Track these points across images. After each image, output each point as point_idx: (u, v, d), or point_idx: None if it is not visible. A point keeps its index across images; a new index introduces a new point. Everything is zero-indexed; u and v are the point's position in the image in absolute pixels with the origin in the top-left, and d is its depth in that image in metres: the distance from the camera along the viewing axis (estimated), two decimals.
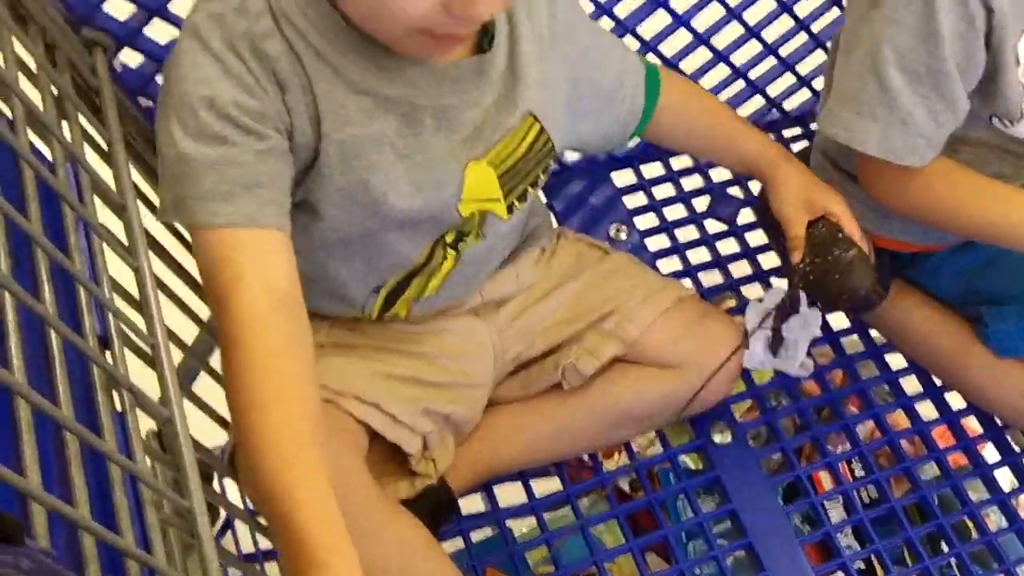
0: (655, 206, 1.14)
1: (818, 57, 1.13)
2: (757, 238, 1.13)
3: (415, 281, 0.81)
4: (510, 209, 0.79)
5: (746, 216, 1.15)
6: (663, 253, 1.11)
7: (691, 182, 1.17)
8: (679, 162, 1.18)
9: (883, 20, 0.81)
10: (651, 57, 1.08)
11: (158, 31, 0.86)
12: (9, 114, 0.66)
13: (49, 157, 0.70)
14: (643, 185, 1.16)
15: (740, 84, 1.15)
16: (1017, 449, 1.03)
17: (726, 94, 1.16)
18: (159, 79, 0.87)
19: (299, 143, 0.69)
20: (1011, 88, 0.85)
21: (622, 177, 1.16)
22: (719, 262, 1.10)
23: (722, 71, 1.13)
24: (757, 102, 1.18)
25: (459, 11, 0.60)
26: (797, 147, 1.18)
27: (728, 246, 1.12)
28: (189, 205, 0.65)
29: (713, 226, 1.14)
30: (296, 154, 0.69)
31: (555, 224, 1.01)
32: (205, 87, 0.64)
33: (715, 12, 1.08)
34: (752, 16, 1.09)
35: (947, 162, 0.89)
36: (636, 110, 0.90)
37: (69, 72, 0.77)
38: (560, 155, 1.08)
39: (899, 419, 1.05)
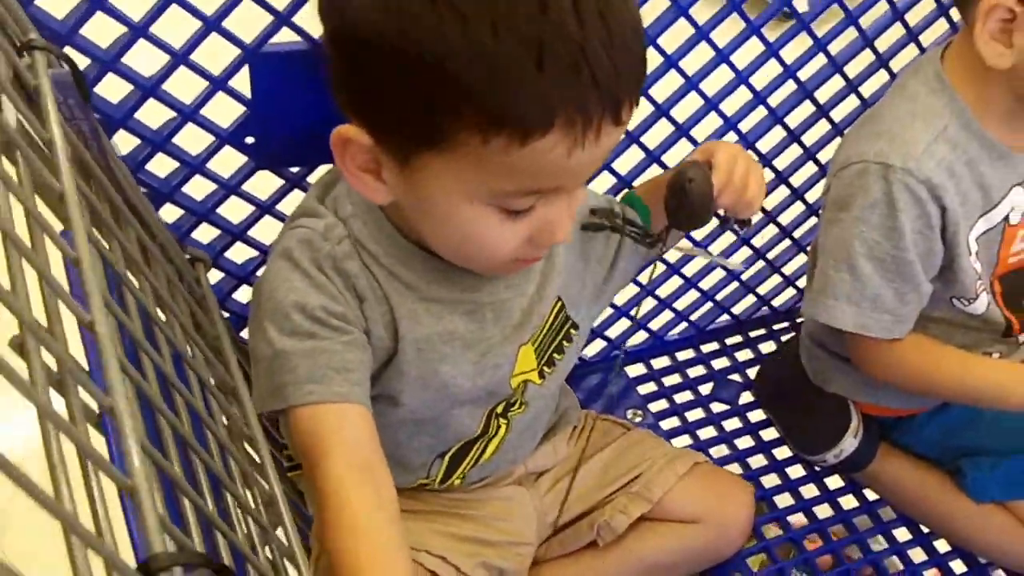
0: (665, 392, 1.29)
1: (801, 259, 1.31)
2: (757, 416, 1.28)
3: (475, 447, 0.94)
4: (541, 374, 0.92)
5: (746, 397, 1.30)
6: (675, 432, 1.24)
7: (695, 371, 1.33)
8: (684, 354, 1.34)
9: (852, 220, 0.98)
10: None
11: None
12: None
13: None
14: (653, 376, 1.31)
15: (735, 284, 1.33)
16: None
17: (723, 293, 1.32)
18: (237, 295, 1.04)
19: (376, 345, 0.80)
20: (966, 273, 1.01)
21: (634, 369, 1.31)
22: (725, 438, 1.25)
23: (718, 272, 1.30)
24: (750, 300, 1.35)
25: (545, 244, 0.74)
26: (785, 338, 1.35)
27: (732, 423, 1.27)
28: (287, 391, 0.74)
29: (717, 407, 1.29)
30: (374, 353, 0.80)
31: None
32: (296, 295, 0.75)
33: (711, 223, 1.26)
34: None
35: (919, 336, 1.04)
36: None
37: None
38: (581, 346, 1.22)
39: (894, 563, 1.17)
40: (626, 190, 0.99)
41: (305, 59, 0.87)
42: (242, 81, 0.88)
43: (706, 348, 1.35)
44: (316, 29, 0.79)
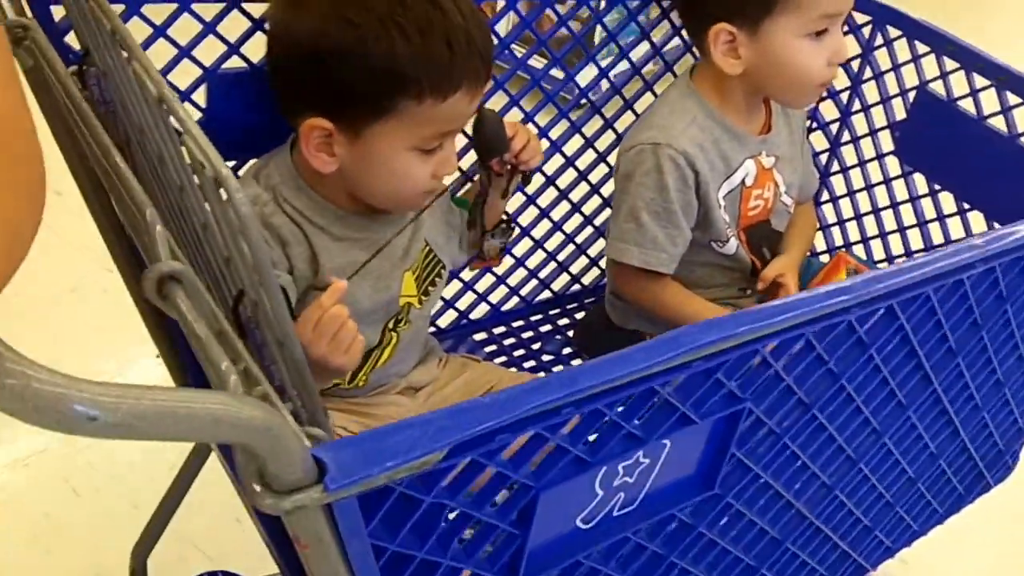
0: (504, 351, 1.64)
1: (601, 243, 1.70)
2: (576, 362, 1.64)
3: (374, 354, 1.26)
4: (420, 302, 1.27)
5: (567, 351, 1.66)
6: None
7: (527, 335, 1.69)
8: (517, 323, 1.70)
9: (635, 186, 1.37)
10: None
11: None
12: None
13: None
14: (494, 339, 1.66)
15: (553, 265, 1.70)
16: None
17: (545, 271, 1.69)
18: None
19: (298, 278, 1.13)
20: (717, 222, 1.41)
21: (479, 336, 1.66)
22: None
23: (540, 255, 1.67)
24: (565, 278, 1.73)
25: (444, 174, 1.12)
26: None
27: (558, 368, 1.62)
28: None
29: (546, 357, 1.65)
30: (297, 284, 1.13)
31: None
32: None
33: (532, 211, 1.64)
34: (557, 213, 1.65)
35: (671, 279, 1.43)
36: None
37: None
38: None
39: None
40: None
41: (249, 80, 1.20)
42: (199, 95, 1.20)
43: (534, 318, 1.71)
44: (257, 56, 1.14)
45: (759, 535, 1.12)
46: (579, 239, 1.70)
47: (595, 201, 1.67)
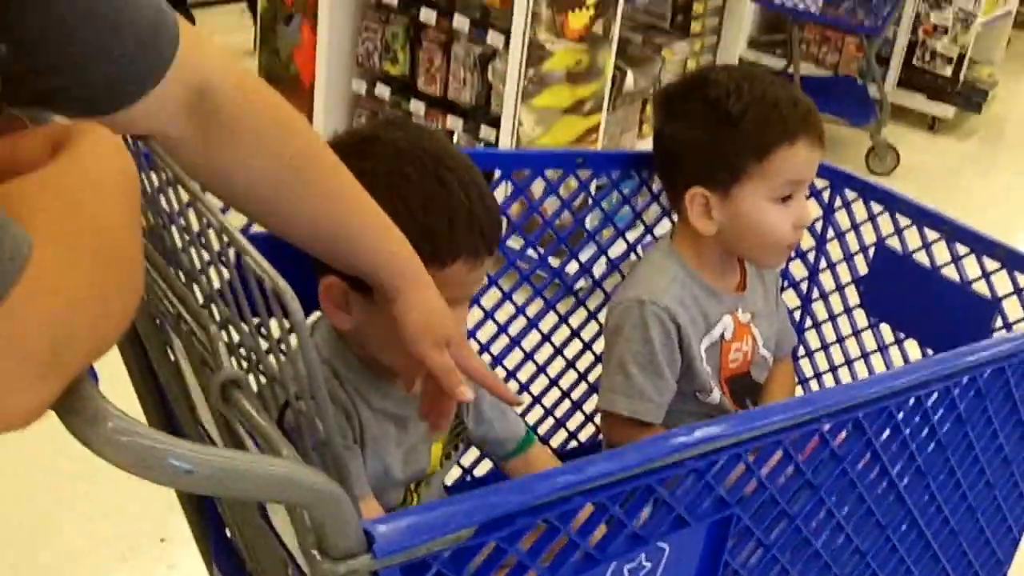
0: None
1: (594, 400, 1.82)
2: None
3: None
4: (442, 463, 1.35)
5: None
6: None
7: None
8: None
9: (623, 340, 1.49)
10: None
11: None
12: None
13: None
14: None
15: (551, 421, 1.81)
16: None
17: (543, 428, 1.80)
18: None
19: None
20: (701, 373, 1.53)
21: None
22: None
23: (538, 411, 1.79)
24: (562, 435, 1.84)
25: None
26: None
27: None
28: None
29: None
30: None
31: None
32: None
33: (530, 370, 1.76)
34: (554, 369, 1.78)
35: (660, 430, 1.52)
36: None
37: None
38: None
39: None
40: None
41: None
42: None
43: None
44: None
45: None
46: (574, 395, 1.81)
47: (588, 358, 1.79)
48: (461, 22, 3.18)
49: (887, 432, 1.14)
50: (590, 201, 1.70)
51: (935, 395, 1.17)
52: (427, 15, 3.26)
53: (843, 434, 1.10)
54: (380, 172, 1.10)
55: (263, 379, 0.90)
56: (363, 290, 1.13)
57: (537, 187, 1.66)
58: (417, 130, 1.23)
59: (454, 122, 3.28)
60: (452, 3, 3.27)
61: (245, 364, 0.93)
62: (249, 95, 0.93)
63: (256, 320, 0.84)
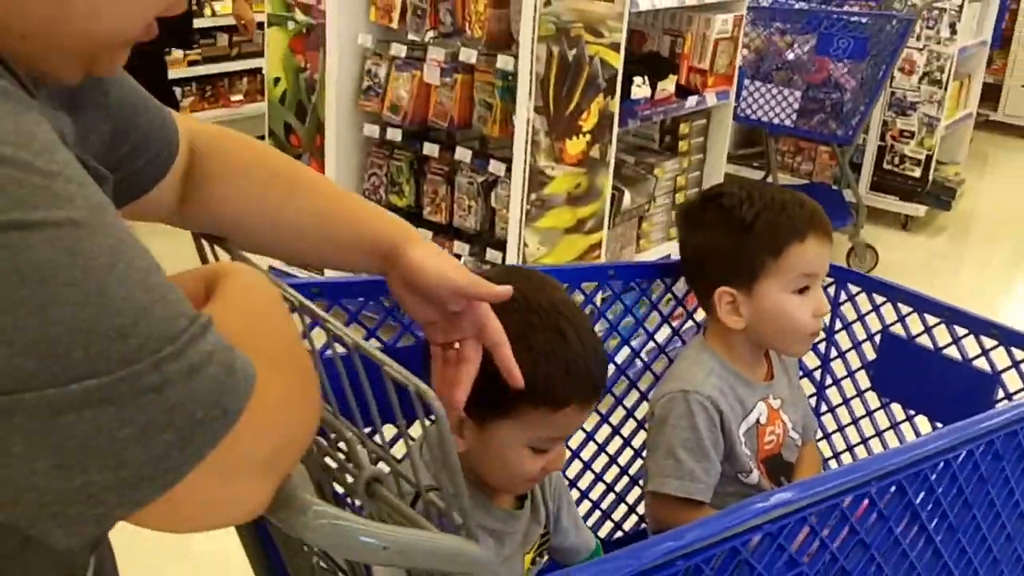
0: None
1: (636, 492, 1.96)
2: None
3: None
4: (527, 571, 1.48)
5: None
6: None
7: None
8: None
9: (670, 428, 1.65)
10: None
11: None
12: None
13: None
14: None
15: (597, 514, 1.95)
16: None
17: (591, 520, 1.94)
18: None
19: None
20: (742, 456, 1.69)
21: None
22: None
23: (586, 504, 1.92)
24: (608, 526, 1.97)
25: (552, 470, 1.37)
26: None
27: None
28: None
29: None
30: None
31: None
32: None
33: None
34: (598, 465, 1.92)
35: (709, 509, 1.67)
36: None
37: None
38: None
39: None
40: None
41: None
42: None
43: None
44: None
45: None
46: (618, 488, 1.96)
47: (628, 453, 1.95)
48: (463, 153, 3.39)
49: (923, 494, 1.30)
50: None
51: (961, 458, 1.33)
52: (430, 148, 3.47)
53: (887, 497, 1.25)
54: (508, 321, 1.21)
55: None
56: (478, 417, 1.28)
57: None
58: (540, 280, 1.37)
59: (460, 247, 3.46)
60: (453, 136, 3.49)
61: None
62: (219, 132, 1.06)
63: (368, 429, 0.98)
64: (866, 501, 1.22)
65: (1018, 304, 4.92)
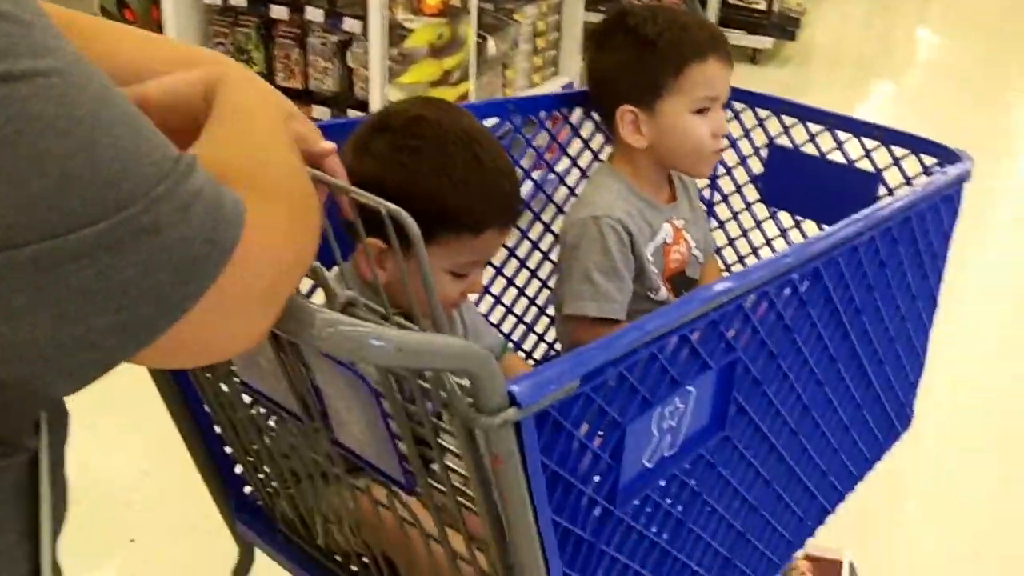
0: None
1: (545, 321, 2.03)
2: None
3: None
4: None
5: None
6: None
7: None
8: None
9: (583, 252, 1.72)
10: None
11: None
12: None
13: None
14: None
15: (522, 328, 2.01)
16: None
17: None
18: None
19: None
20: (651, 274, 1.77)
21: None
22: None
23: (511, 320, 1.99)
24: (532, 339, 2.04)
25: (471, 292, 1.48)
26: None
27: None
28: None
29: None
30: None
31: None
32: None
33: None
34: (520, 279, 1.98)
35: (623, 324, 1.76)
36: None
37: None
38: None
39: None
40: None
41: None
42: None
43: None
44: None
45: (756, 477, 1.44)
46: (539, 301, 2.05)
47: (535, 284, 2.01)
48: (313, 13, 3.30)
49: (836, 278, 1.39)
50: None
51: (865, 244, 1.43)
52: (277, 12, 3.36)
53: (806, 284, 1.34)
54: (426, 150, 1.27)
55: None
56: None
57: None
58: (453, 109, 1.40)
59: (320, 111, 3.41)
60: None
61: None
62: None
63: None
64: (788, 290, 1.30)
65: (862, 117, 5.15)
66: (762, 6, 5.54)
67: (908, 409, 1.86)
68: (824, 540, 1.91)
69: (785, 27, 5.70)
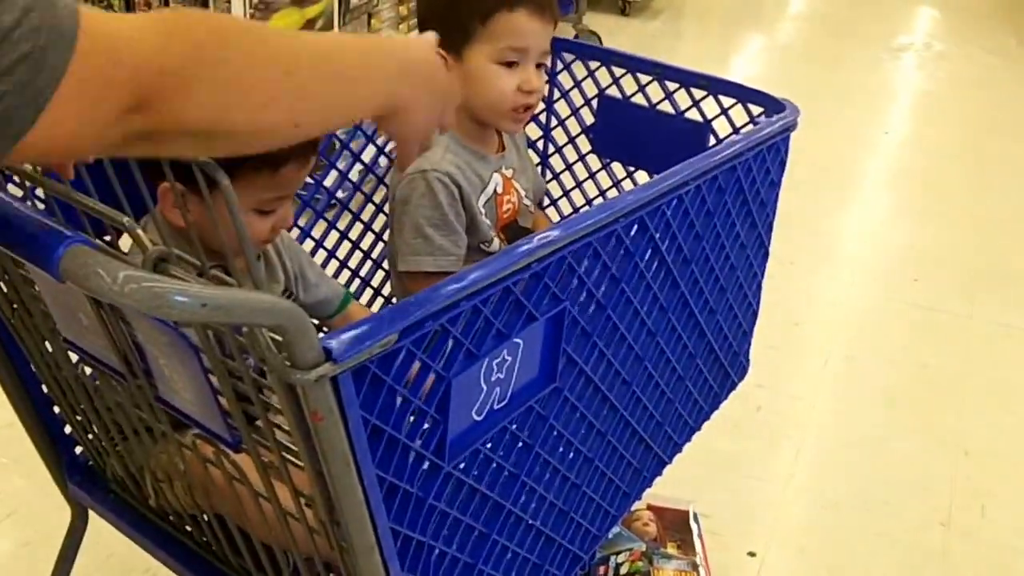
0: None
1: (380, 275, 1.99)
2: None
3: None
4: None
5: None
6: None
7: None
8: None
9: (413, 207, 1.68)
10: None
11: None
12: None
13: None
14: None
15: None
16: None
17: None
18: None
19: None
20: (483, 226, 1.74)
21: None
22: None
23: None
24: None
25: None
26: None
27: None
28: None
29: None
30: None
31: None
32: None
33: None
34: (354, 233, 1.93)
35: None
36: None
37: None
38: None
39: None
40: None
41: None
42: None
43: None
44: None
45: (589, 429, 1.44)
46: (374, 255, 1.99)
47: (369, 237, 1.97)
48: None
49: (662, 228, 1.40)
50: None
51: (690, 193, 1.44)
52: None
53: (632, 232, 1.34)
54: None
55: None
56: (196, 191, 1.23)
57: None
58: None
59: None
60: None
61: None
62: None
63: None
64: (613, 240, 1.29)
65: (731, 70, 5.35)
66: None
67: (743, 358, 1.90)
68: (668, 490, 1.95)
69: None
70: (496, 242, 1.78)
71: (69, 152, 0.84)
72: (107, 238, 1.09)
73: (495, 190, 1.77)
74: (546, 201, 2.12)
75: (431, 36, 1.13)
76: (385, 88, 1.02)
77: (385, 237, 2.00)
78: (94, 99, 0.74)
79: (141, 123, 0.78)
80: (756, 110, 1.79)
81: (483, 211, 1.74)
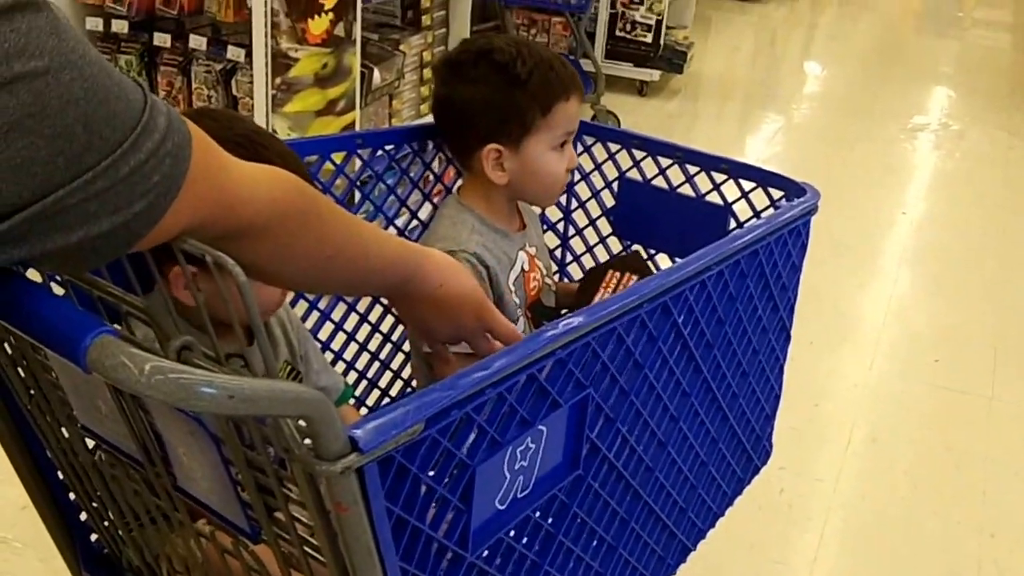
0: None
1: (400, 358, 1.98)
2: None
3: None
4: None
5: None
6: None
7: None
8: None
9: None
10: None
11: None
12: None
13: None
14: None
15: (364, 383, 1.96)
16: None
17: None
18: None
19: None
20: (510, 304, 1.74)
21: None
22: None
23: (352, 375, 1.93)
24: (375, 393, 1.99)
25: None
26: None
27: None
28: None
29: None
30: None
31: None
32: None
33: None
34: (361, 335, 1.93)
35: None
36: None
37: None
38: None
39: None
40: None
41: None
42: None
43: None
44: None
45: (612, 516, 1.42)
46: (382, 355, 1.98)
47: (389, 320, 1.97)
48: (197, 41, 3.25)
49: (685, 312, 1.39)
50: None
51: (713, 278, 1.43)
52: (160, 39, 3.30)
53: (655, 317, 1.33)
54: None
55: None
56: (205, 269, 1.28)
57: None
58: (228, 116, 1.41)
59: None
60: (183, 24, 3.32)
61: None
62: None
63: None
64: (637, 325, 1.29)
65: (748, 150, 5.40)
66: (649, 39, 5.66)
67: (766, 442, 1.88)
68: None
69: (672, 60, 5.83)
70: (522, 322, 1.78)
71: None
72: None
73: (522, 267, 1.78)
74: (565, 280, 2.12)
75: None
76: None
77: (382, 327, 2.00)
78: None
79: (199, 235, 0.87)
80: (777, 194, 1.79)
81: (512, 289, 1.75)
